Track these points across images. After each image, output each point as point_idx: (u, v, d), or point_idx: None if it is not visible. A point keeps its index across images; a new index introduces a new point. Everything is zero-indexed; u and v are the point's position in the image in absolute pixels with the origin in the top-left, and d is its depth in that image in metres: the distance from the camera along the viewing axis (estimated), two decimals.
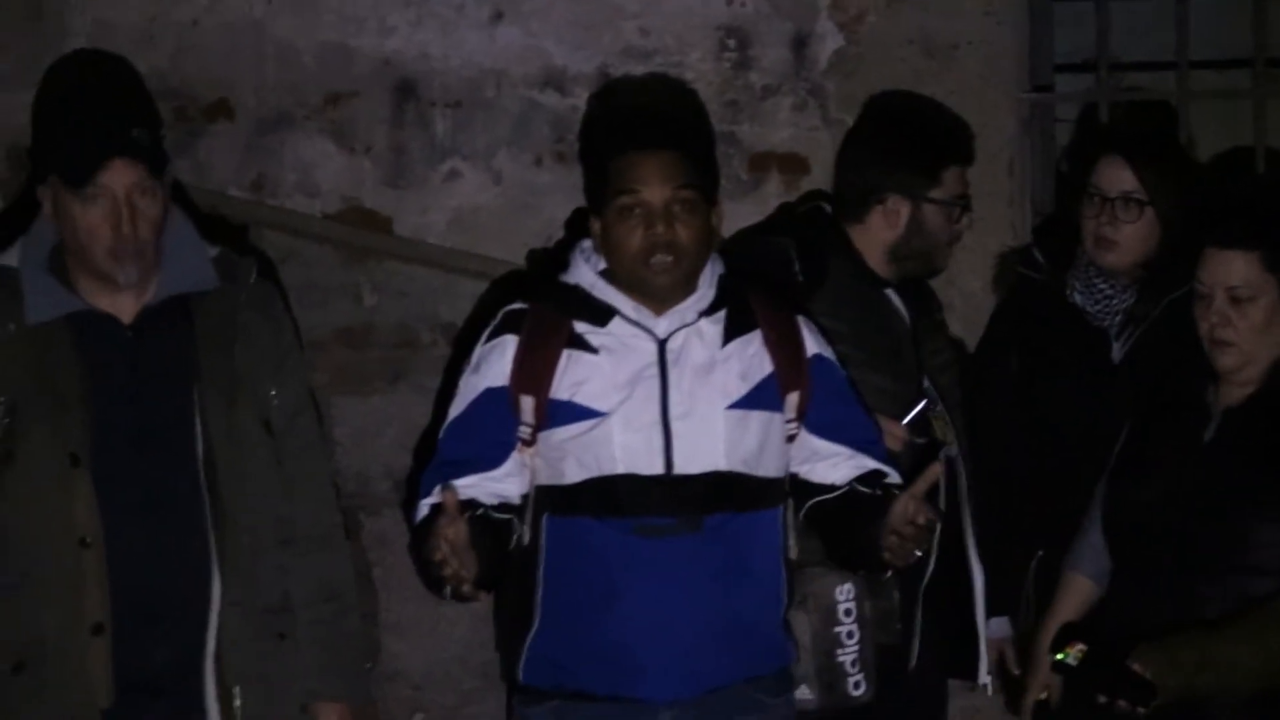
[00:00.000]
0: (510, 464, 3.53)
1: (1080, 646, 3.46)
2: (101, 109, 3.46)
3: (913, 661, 3.98)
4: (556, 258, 3.82)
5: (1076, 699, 3.60)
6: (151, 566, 3.44)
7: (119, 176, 3.41)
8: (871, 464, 3.62)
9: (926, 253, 4.05)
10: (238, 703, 3.50)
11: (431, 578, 3.44)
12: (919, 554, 3.44)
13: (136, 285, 3.48)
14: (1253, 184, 4.65)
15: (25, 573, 3.42)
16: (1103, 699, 3.42)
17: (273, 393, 3.58)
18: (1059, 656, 3.46)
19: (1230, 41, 5.44)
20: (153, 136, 3.48)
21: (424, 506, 3.52)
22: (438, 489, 3.42)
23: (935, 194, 4.01)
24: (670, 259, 3.47)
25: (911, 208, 4.00)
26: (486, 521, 3.47)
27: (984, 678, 4.10)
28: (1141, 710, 3.37)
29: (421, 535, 3.44)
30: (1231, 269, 3.58)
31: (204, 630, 3.48)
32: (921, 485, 3.39)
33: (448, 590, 3.44)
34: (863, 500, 3.55)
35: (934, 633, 4.03)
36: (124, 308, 3.48)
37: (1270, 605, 3.45)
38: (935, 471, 3.46)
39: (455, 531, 3.31)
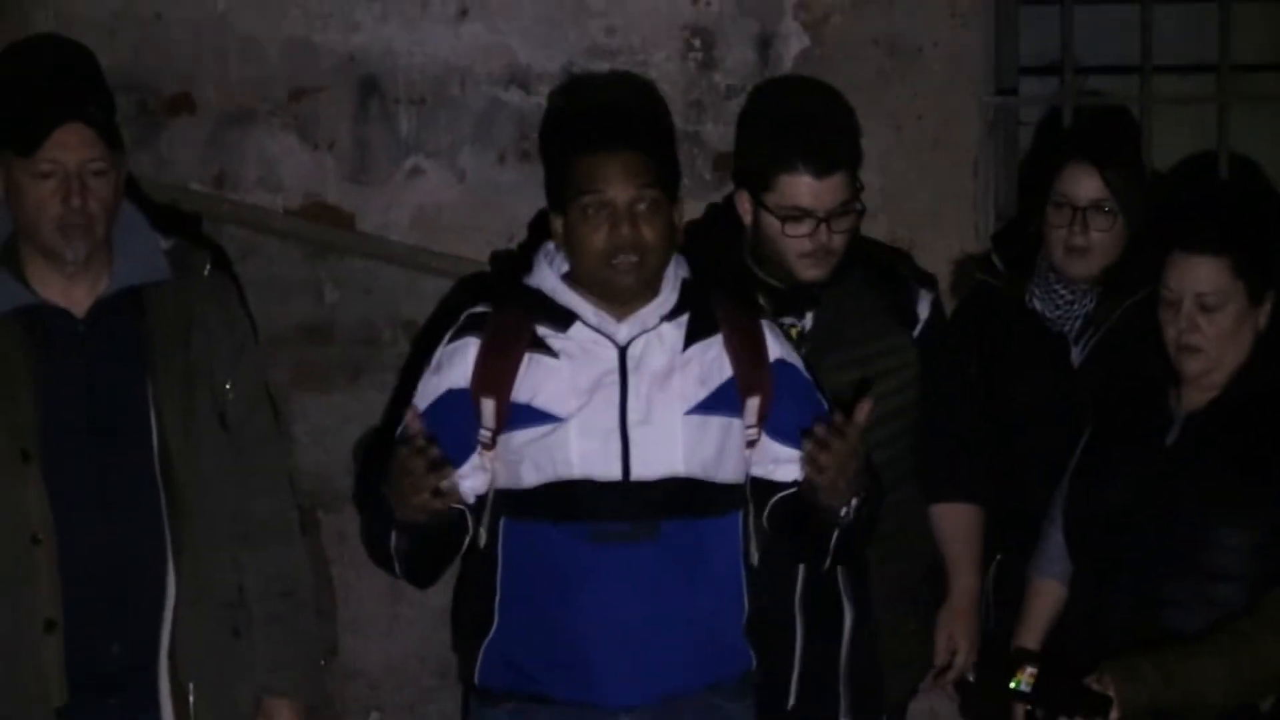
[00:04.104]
0: (467, 466, 3.50)
1: (1031, 671, 3.44)
2: (55, 80, 3.44)
3: (791, 700, 3.87)
4: (519, 259, 3.79)
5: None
6: (105, 562, 3.42)
7: (71, 149, 3.38)
8: None
9: (777, 260, 3.87)
10: (192, 699, 3.49)
11: (382, 552, 3.45)
12: (854, 496, 3.40)
13: (84, 267, 3.45)
14: (1216, 189, 4.65)
15: None
16: None
17: (228, 386, 3.56)
18: (1012, 685, 3.44)
19: (1194, 47, 5.45)
20: (107, 115, 3.46)
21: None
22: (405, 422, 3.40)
23: (768, 199, 3.84)
24: (635, 259, 3.45)
25: (753, 203, 3.88)
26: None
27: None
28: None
29: (377, 506, 3.44)
30: (1200, 275, 3.55)
31: (158, 626, 3.47)
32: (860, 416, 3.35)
33: (399, 567, 3.46)
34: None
35: (830, 673, 3.89)
36: (77, 301, 3.46)
37: (1237, 622, 3.44)
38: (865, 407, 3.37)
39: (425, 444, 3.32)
